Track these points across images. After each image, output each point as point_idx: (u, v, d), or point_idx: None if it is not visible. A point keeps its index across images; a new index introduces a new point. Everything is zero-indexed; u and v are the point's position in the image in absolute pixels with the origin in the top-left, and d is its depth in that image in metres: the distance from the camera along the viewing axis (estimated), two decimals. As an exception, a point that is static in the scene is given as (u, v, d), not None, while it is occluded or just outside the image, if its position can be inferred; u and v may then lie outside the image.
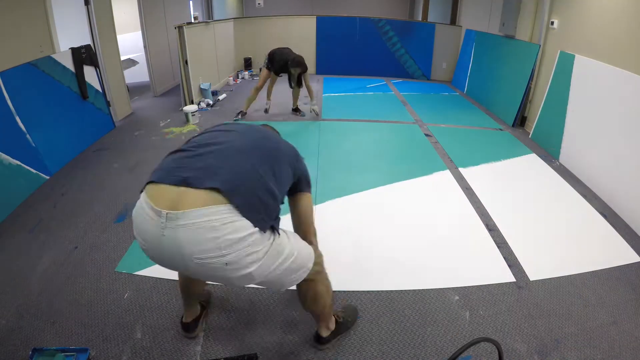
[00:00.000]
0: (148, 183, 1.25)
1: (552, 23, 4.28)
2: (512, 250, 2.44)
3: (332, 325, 1.72)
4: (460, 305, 2.01)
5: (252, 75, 7.59)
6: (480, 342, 1.37)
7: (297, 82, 4.84)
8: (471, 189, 3.19)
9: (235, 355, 1.66)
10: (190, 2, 7.85)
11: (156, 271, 2.19)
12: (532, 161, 3.80)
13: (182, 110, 4.96)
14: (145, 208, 1.18)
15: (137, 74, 6.36)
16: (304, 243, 1.44)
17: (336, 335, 1.75)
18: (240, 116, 4.93)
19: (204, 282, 1.78)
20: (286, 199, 1.48)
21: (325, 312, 1.63)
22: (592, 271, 2.28)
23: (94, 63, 4.14)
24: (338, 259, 2.34)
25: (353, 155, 3.85)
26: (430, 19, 8.77)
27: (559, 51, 4.02)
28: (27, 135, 3.10)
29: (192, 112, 4.82)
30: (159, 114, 5.12)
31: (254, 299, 2.02)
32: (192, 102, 5.28)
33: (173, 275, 2.19)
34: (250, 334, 1.82)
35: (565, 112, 3.77)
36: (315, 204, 2.88)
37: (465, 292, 2.10)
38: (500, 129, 4.73)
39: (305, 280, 1.44)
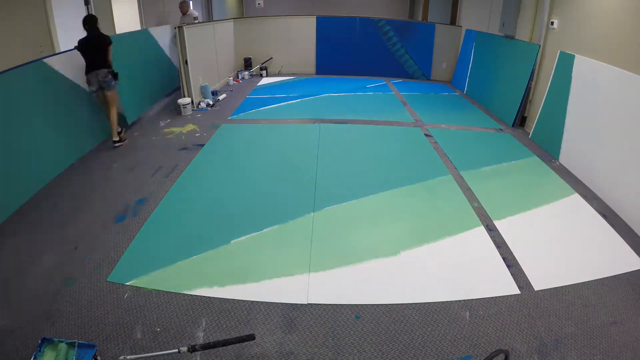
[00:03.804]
0: None
1: (552, 23, 4.28)
2: (511, 251, 2.44)
3: None
4: (460, 305, 2.01)
5: (252, 76, 7.59)
6: (496, 355, 1.40)
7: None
8: (470, 189, 3.19)
9: (232, 337, 1.64)
10: (190, 2, 7.84)
11: (146, 282, 2.16)
12: (532, 162, 3.79)
13: (179, 104, 5.12)
14: None
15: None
16: None
17: None
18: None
19: None
20: None
21: None
22: (592, 272, 2.28)
23: None
24: (337, 265, 2.35)
25: (353, 157, 3.85)
26: (430, 19, 8.77)
27: (559, 51, 4.02)
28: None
29: (183, 105, 5.06)
30: (159, 114, 5.12)
31: (254, 299, 2.02)
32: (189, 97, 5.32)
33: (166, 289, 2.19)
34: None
35: (565, 112, 3.77)
36: (314, 211, 2.84)
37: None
38: (500, 129, 4.73)
39: None
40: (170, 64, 5.95)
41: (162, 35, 5.57)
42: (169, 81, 5.83)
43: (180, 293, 2.05)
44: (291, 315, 1.93)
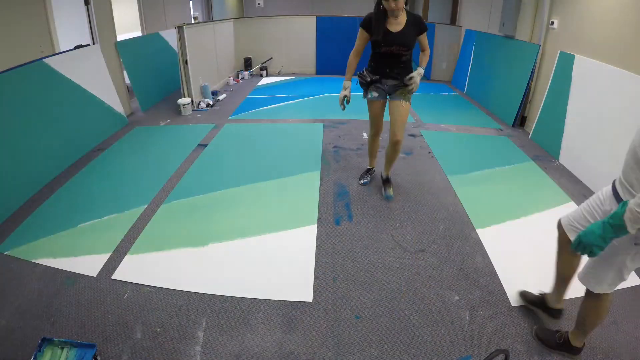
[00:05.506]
0: None
1: (552, 23, 4.28)
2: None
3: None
4: (460, 305, 2.01)
5: (252, 75, 7.59)
6: (497, 354, 1.39)
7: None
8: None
9: None
10: (191, 2, 7.85)
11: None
12: (527, 167, 3.76)
13: (179, 104, 5.11)
14: None
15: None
16: None
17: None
18: (368, 177, 3.27)
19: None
20: None
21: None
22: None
23: None
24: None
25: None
26: (430, 19, 8.76)
27: (559, 51, 4.02)
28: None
29: (183, 105, 5.06)
30: (159, 114, 5.12)
31: (254, 299, 2.03)
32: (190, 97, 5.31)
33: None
34: (250, 334, 1.82)
35: (565, 112, 3.77)
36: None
37: (466, 292, 2.10)
38: (500, 129, 4.73)
39: None
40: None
41: (173, 37, 5.56)
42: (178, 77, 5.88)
43: (180, 291, 2.05)
44: (291, 315, 1.93)
